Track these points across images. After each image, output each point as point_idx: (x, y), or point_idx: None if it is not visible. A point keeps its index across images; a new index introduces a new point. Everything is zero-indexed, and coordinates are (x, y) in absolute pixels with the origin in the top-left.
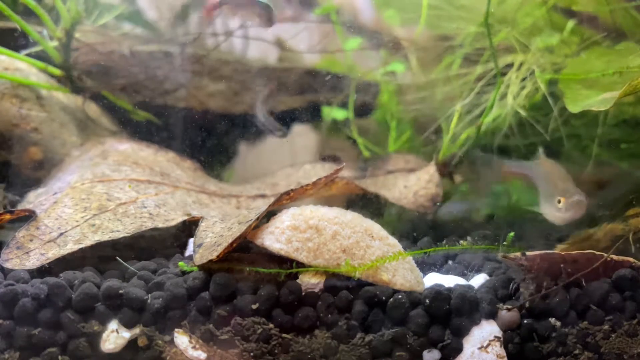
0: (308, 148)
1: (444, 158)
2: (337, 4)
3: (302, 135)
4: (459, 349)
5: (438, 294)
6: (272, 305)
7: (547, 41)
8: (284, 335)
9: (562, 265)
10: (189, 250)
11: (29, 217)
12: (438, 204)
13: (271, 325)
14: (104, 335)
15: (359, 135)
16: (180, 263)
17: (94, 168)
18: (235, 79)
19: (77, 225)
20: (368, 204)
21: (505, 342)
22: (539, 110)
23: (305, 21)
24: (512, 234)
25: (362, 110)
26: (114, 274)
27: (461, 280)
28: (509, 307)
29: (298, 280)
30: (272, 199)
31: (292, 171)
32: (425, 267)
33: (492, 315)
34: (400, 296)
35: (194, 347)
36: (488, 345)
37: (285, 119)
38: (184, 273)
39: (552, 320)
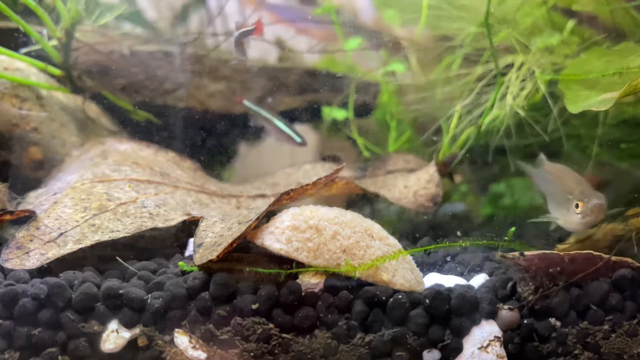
0: (308, 148)
1: (444, 158)
2: (337, 4)
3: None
4: (459, 349)
5: (438, 294)
6: (272, 305)
7: (547, 41)
8: (284, 335)
9: (560, 265)
10: (189, 250)
11: (29, 217)
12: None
13: (271, 325)
14: (104, 335)
15: (359, 135)
16: (180, 263)
17: (94, 168)
18: (235, 79)
19: (77, 225)
20: (367, 204)
21: (505, 342)
22: (539, 111)
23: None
24: (512, 229)
25: (362, 110)
26: (114, 274)
27: (461, 280)
28: (511, 307)
29: (298, 280)
30: (272, 199)
31: (292, 171)
32: (425, 267)
33: (492, 315)
34: (400, 296)
35: (194, 347)
36: (488, 345)
37: (285, 119)
38: (184, 273)
39: (552, 320)
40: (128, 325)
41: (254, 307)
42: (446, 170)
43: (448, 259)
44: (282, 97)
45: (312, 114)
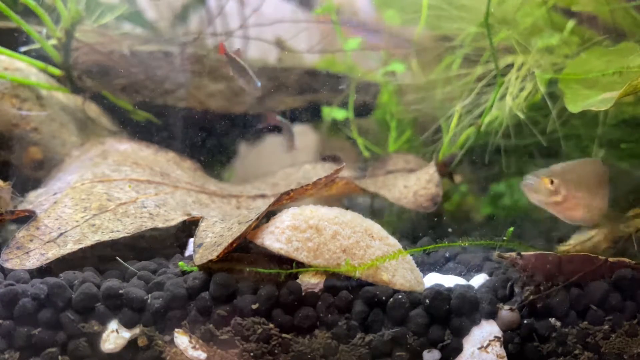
0: (308, 148)
1: (444, 158)
2: (337, 4)
3: (302, 135)
4: (459, 349)
5: (438, 294)
6: (272, 305)
7: (547, 41)
8: (284, 335)
9: (557, 265)
10: (189, 250)
11: (29, 217)
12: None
13: (271, 325)
14: (104, 335)
15: (359, 135)
16: (180, 263)
17: (94, 168)
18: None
19: (77, 225)
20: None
21: (505, 342)
22: (539, 111)
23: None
24: (511, 229)
25: (362, 110)
26: (114, 274)
27: (461, 280)
28: (512, 307)
29: (298, 280)
30: (272, 199)
31: (292, 171)
32: (425, 267)
33: (492, 315)
34: (400, 296)
35: (194, 347)
36: (488, 345)
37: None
38: (184, 273)
39: (552, 320)
40: (128, 325)
41: (254, 307)
42: (446, 170)
43: (447, 254)
44: (282, 97)
45: (312, 114)
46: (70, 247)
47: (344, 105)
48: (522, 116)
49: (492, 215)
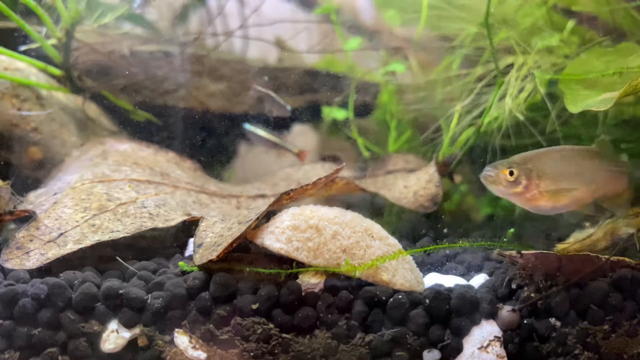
0: (308, 148)
1: (444, 158)
2: (337, 4)
3: (302, 135)
4: (459, 349)
5: (438, 294)
6: (272, 305)
7: (547, 41)
8: (284, 335)
9: (557, 265)
10: (189, 250)
11: (29, 217)
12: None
13: (271, 325)
14: (104, 335)
15: (359, 135)
16: (181, 263)
17: (94, 168)
18: (235, 79)
19: (77, 226)
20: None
21: (505, 342)
22: (539, 111)
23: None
24: (511, 230)
25: (362, 110)
26: (114, 274)
27: (461, 280)
28: (513, 308)
29: (298, 280)
30: (272, 199)
31: (292, 171)
32: (425, 267)
33: (492, 315)
34: (400, 296)
35: (194, 347)
36: (488, 345)
37: (285, 119)
38: (184, 273)
39: (552, 320)
40: (128, 325)
41: (254, 307)
42: (446, 170)
43: (447, 252)
44: (282, 97)
45: (312, 114)
46: (70, 247)
47: (344, 105)
48: (521, 117)
49: (492, 215)
